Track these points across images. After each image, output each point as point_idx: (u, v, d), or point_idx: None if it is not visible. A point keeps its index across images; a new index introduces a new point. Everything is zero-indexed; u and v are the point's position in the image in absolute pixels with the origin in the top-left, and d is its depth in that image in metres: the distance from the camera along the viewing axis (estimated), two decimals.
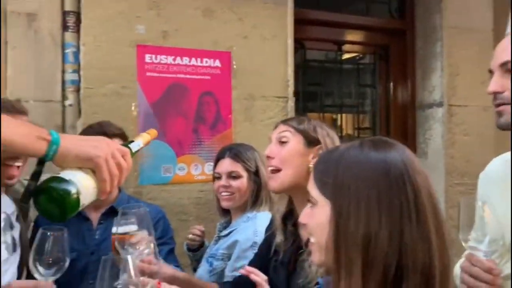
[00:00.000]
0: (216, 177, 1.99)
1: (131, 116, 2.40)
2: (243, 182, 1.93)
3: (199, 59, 2.53)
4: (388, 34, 3.38)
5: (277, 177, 1.42)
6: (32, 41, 2.29)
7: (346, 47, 3.34)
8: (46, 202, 0.87)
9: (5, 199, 1.70)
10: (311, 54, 3.39)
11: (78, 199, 0.88)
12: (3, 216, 1.64)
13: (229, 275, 1.75)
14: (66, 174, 0.88)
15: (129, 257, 1.09)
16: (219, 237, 1.97)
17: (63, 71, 2.35)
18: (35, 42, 2.29)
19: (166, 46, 2.47)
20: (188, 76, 2.52)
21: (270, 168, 1.45)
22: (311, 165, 1.37)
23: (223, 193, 1.95)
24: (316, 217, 0.88)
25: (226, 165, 1.95)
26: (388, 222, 0.79)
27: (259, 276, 1.31)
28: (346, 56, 3.56)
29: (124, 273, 1.09)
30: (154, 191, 2.44)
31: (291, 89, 2.76)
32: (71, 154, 0.88)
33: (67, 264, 1.28)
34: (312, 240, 0.91)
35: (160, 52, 2.46)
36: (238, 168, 1.94)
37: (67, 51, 2.33)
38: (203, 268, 1.89)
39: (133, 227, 1.35)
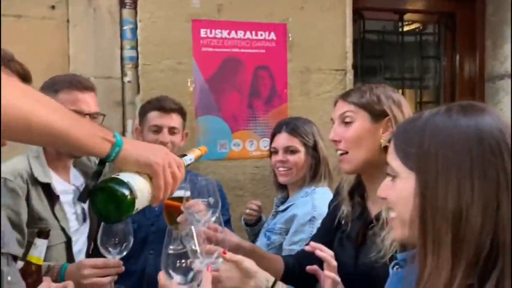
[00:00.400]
0: (273, 152, 1.96)
1: (188, 91, 2.41)
2: (300, 157, 1.89)
3: (254, 32, 2.49)
4: (454, 0, 3.14)
5: (348, 160, 1.35)
6: (92, 19, 2.34)
7: (407, 16, 3.14)
8: (103, 202, 0.89)
9: (74, 172, 1.77)
10: (370, 24, 3.22)
11: (133, 202, 0.89)
12: (72, 188, 1.71)
13: (286, 249, 1.74)
14: (124, 177, 0.90)
15: (194, 223, 1.09)
16: (277, 212, 1.96)
17: (122, 48, 2.39)
18: (95, 20, 2.35)
19: (221, 20, 2.44)
20: (242, 50, 2.48)
21: (339, 152, 1.37)
22: (383, 140, 1.31)
23: (280, 168, 1.91)
24: (398, 190, 0.83)
25: (283, 139, 1.91)
26: (482, 194, 0.72)
27: (325, 252, 1.27)
28: (407, 27, 3.36)
29: (176, 240, 1.09)
30: (210, 167, 2.45)
31: (349, 62, 2.65)
32: (132, 158, 0.91)
33: (131, 243, 1.35)
34: (392, 214, 0.87)
35: (215, 26, 2.43)
36: (295, 143, 1.89)
37: (125, 28, 2.37)
38: (260, 242, 1.89)
39: (184, 193, 1.35)
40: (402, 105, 1.36)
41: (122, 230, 1.33)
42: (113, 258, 1.35)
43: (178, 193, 1.40)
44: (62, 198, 1.61)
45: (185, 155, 1.12)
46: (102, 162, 0.92)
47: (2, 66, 1.14)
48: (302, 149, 1.89)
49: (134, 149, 0.92)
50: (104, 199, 0.89)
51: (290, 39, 2.55)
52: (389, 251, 1.21)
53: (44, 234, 1.21)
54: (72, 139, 0.83)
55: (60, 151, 1.65)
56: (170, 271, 1.07)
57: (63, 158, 1.68)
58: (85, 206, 1.76)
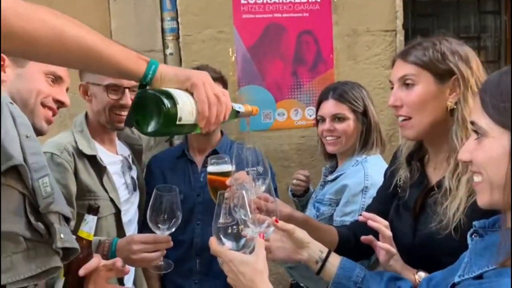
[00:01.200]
0: (320, 120, 1.87)
1: (229, 61, 2.36)
2: (349, 124, 1.79)
3: None
4: None
5: (410, 125, 1.24)
6: None
7: None
8: (143, 108, 0.87)
9: (119, 144, 1.79)
10: None
11: (175, 109, 0.87)
12: (119, 158, 1.73)
13: (338, 220, 1.68)
14: (166, 88, 0.89)
15: (244, 193, 1.05)
16: (325, 182, 1.89)
17: (162, 20, 2.35)
18: None
19: None
20: (285, 15, 2.37)
21: (401, 118, 1.26)
22: (449, 102, 1.20)
23: (328, 137, 1.83)
24: (487, 151, 0.78)
25: (330, 107, 1.81)
26: None
27: (378, 222, 1.20)
28: None
29: (225, 214, 1.06)
30: (254, 137, 2.40)
31: (399, 22, 2.47)
32: (170, 74, 0.90)
33: (180, 218, 1.34)
34: (477, 178, 0.81)
35: None
36: (344, 110, 1.79)
37: None
38: (309, 213, 1.84)
39: (226, 167, 1.35)
40: (470, 60, 1.22)
41: (170, 206, 1.32)
42: (162, 233, 1.34)
43: (223, 168, 1.37)
44: (110, 169, 1.63)
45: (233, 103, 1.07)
46: (142, 86, 0.91)
47: None
48: (351, 116, 1.79)
49: (171, 68, 0.92)
50: (144, 108, 0.87)
51: (335, 0, 2.41)
52: (453, 221, 1.13)
53: (93, 210, 1.22)
54: (106, 56, 0.83)
55: (101, 124, 1.66)
56: (222, 237, 1.05)
57: (107, 131, 1.69)
58: (135, 175, 1.77)
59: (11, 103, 0.98)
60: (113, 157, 1.71)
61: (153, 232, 1.36)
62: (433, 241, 1.17)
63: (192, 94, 0.92)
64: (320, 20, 2.39)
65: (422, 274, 1.15)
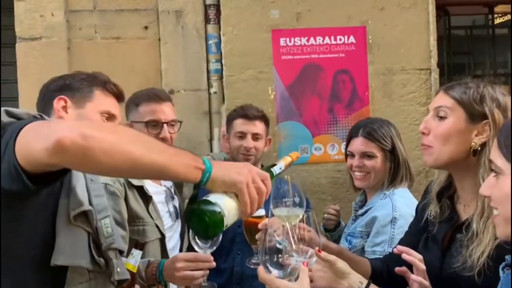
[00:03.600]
0: (349, 155, 1.93)
1: (269, 99, 2.50)
2: (377, 161, 1.84)
3: (332, 37, 2.51)
4: None
5: (429, 152, 1.30)
6: (180, 36, 2.53)
7: (498, 8, 2.95)
8: (196, 221, 1.02)
9: None
10: (456, 20, 3.08)
11: (222, 219, 1.01)
12: (163, 189, 1.87)
13: (369, 251, 1.73)
14: (213, 198, 1.02)
15: (287, 225, 1.15)
16: (356, 216, 1.95)
17: (207, 61, 2.55)
18: (183, 37, 2.54)
19: (299, 28, 2.50)
20: (322, 56, 2.51)
21: (424, 143, 1.33)
22: (474, 143, 1.25)
23: (357, 173, 1.89)
24: (502, 187, 0.85)
25: (359, 144, 1.87)
26: None
27: (412, 255, 1.24)
28: (499, 19, 3.15)
29: (257, 255, 1.16)
30: (292, 171, 2.47)
31: (434, 60, 2.55)
32: (219, 180, 1.01)
33: (220, 239, 1.42)
34: (495, 212, 0.88)
35: (294, 35, 2.50)
36: (372, 148, 1.85)
37: (210, 42, 2.53)
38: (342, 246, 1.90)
39: (260, 211, 1.38)
40: (507, 109, 1.27)
41: None
42: (204, 252, 1.43)
43: (257, 213, 1.44)
44: (155, 198, 1.77)
45: (274, 165, 1.18)
46: (196, 187, 1.06)
47: (100, 88, 1.32)
48: (379, 154, 1.84)
49: (220, 172, 1.02)
50: (198, 220, 1.02)
51: (370, 41, 2.53)
52: (477, 265, 1.17)
53: (140, 245, 1.38)
54: (170, 172, 0.98)
55: None
56: (268, 266, 1.13)
57: None
58: (177, 204, 1.91)
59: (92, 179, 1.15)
60: (157, 187, 1.85)
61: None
62: (459, 277, 1.21)
63: (237, 195, 1.04)
64: (355, 59, 2.52)
65: None
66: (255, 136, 2.09)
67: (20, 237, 1.00)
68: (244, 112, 2.11)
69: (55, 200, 1.04)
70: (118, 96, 1.37)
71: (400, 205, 1.73)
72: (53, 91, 1.30)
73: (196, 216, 1.02)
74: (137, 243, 1.36)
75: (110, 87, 1.33)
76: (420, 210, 1.47)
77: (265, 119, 2.13)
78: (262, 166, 2.16)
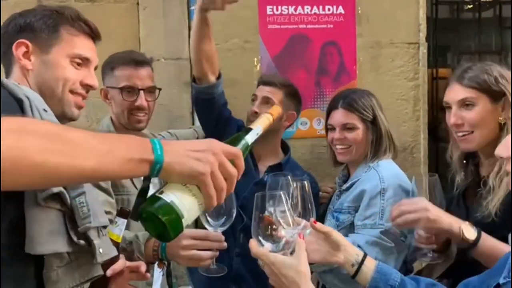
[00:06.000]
0: (329, 129, 1.87)
1: (254, 70, 2.40)
2: (358, 133, 1.78)
3: (321, 7, 2.41)
4: None
5: (472, 139, 1.48)
6: (160, 1, 2.38)
7: None
8: (149, 223, 0.86)
9: None
10: None
11: (180, 222, 0.84)
12: None
13: (359, 224, 1.67)
14: (168, 195, 0.84)
15: (282, 194, 1.07)
16: (341, 192, 1.89)
17: (189, 28, 2.40)
18: (163, 1, 2.38)
19: None
20: (309, 26, 2.42)
21: (461, 134, 1.49)
22: (501, 118, 1.45)
23: (338, 146, 1.82)
24: None
25: (340, 116, 1.80)
26: None
27: None
28: None
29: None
30: (303, 160, 2.42)
31: (423, 34, 2.50)
32: (175, 172, 0.83)
33: (234, 215, 1.27)
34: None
35: (281, 3, 2.39)
36: (353, 119, 1.78)
37: (192, 8, 2.38)
38: (328, 224, 1.83)
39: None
40: (510, 80, 1.47)
41: (225, 201, 1.19)
42: (214, 231, 1.27)
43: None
44: None
45: (250, 129, 1.01)
46: (147, 178, 0.87)
47: (67, 26, 1.13)
48: (360, 125, 1.78)
49: (175, 159, 0.82)
50: (150, 222, 0.85)
51: (359, 12, 2.45)
52: (493, 212, 1.38)
53: (124, 214, 1.23)
54: (105, 175, 0.81)
55: (124, 126, 1.71)
56: (261, 239, 1.05)
57: (131, 132, 1.71)
58: None
59: (45, 110, 0.96)
60: None
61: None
62: (481, 224, 1.39)
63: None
64: (344, 31, 2.43)
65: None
66: (265, 100, 1.95)
67: None
68: (263, 78, 2.04)
69: None
70: (91, 35, 1.17)
71: (387, 176, 1.69)
72: (13, 33, 1.10)
73: (148, 219, 0.84)
74: (121, 211, 1.21)
75: (79, 25, 1.13)
76: (450, 182, 1.66)
77: (286, 88, 1.99)
78: (283, 144, 2.07)
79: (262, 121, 1.05)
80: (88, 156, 0.75)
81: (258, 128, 1.02)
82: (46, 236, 0.89)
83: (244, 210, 1.70)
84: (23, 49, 1.09)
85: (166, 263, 1.41)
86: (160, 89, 1.81)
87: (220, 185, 0.85)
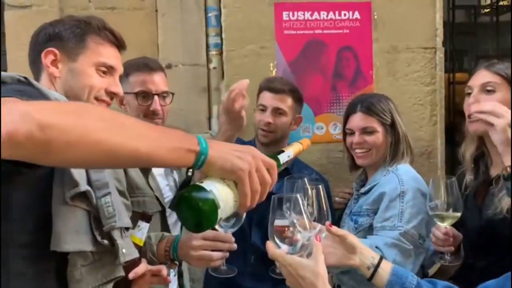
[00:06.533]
0: (348, 133, 1.87)
1: (270, 76, 2.41)
2: (379, 137, 1.79)
3: (337, 13, 2.42)
4: None
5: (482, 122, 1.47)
6: (179, 8, 2.42)
7: None
8: (186, 210, 0.88)
9: None
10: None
11: (216, 212, 0.86)
12: None
13: (378, 226, 1.67)
14: (208, 184, 0.88)
15: (298, 197, 1.08)
16: (359, 195, 1.89)
17: (207, 35, 2.45)
18: (181, 9, 2.42)
19: (303, 1, 2.41)
20: (325, 31, 2.43)
21: (472, 118, 1.50)
22: None
23: (357, 150, 1.83)
24: None
25: (359, 120, 1.81)
26: None
27: None
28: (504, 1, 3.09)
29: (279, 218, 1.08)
30: (310, 159, 2.42)
31: (439, 39, 2.49)
32: (217, 165, 0.87)
33: (243, 217, 1.28)
34: None
35: (297, 9, 2.40)
36: (372, 123, 1.79)
37: (209, 14, 2.42)
38: (346, 227, 1.84)
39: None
40: None
41: None
42: (224, 231, 1.29)
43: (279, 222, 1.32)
44: (154, 170, 1.68)
45: (282, 151, 1.08)
46: (190, 171, 0.90)
47: (93, 36, 1.16)
48: (380, 129, 1.79)
49: (218, 154, 0.87)
50: (186, 208, 0.87)
51: (375, 17, 2.45)
52: (505, 208, 1.42)
53: (147, 217, 1.25)
54: (156, 159, 0.83)
55: None
56: (278, 241, 1.06)
57: None
58: (177, 178, 1.83)
59: None
60: None
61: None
62: (494, 221, 1.44)
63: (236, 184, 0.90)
64: (360, 36, 2.44)
65: None
66: (277, 111, 1.97)
67: (13, 224, 0.89)
68: (269, 85, 2.01)
69: (46, 180, 0.92)
70: (116, 44, 1.21)
71: (406, 179, 1.70)
72: (42, 42, 1.15)
73: (186, 204, 0.87)
74: (144, 215, 1.24)
75: (105, 34, 1.17)
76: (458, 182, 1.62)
77: (293, 94, 2.00)
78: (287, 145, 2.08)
79: (294, 148, 1.12)
80: (142, 139, 0.79)
81: (289, 152, 1.09)
82: (72, 234, 0.92)
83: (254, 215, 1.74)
84: (51, 57, 1.14)
85: (177, 263, 1.44)
86: (173, 94, 1.84)
87: (256, 187, 0.88)
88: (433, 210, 1.48)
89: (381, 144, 1.79)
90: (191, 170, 0.90)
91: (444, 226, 1.48)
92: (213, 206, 0.86)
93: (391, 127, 1.81)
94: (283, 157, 1.05)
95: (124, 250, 0.99)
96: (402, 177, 1.71)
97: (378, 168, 1.83)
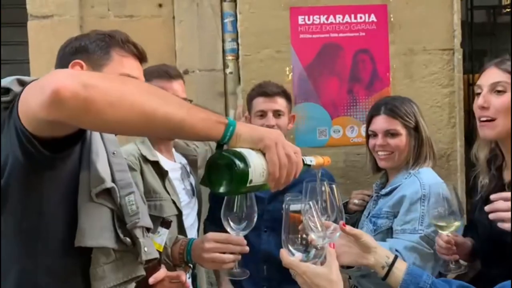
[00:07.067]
0: (371, 135, 1.86)
1: (286, 80, 2.43)
2: (402, 140, 1.77)
3: (353, 16, 2.42)
4: None
5: (493, 126, 1.41)
6: (195, 14, 2.46)
7: None
8: (216, 170, 0.91)
9: (176, 153, 1.89)
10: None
11: (247, 172, 0.89)
12: (178, 165, 1.82)
13: (398, 229, 1.66)
14: (239, 148, 0.92)
15: (311, 203, 1.08)
16: (378, 197, 1.88)
17: (223, 40, 2.48)
18: (198, 15, 2.46)
19: (318, 5, 2.42)
20: (342, 35, 2.43)
21: (484, 119, 1.43)
22: None
23: (380, 153, 1.82)
24: None
25: (382, 122, 1.80)
26: None
27: None
28: None
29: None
30: (310, 155, 2.43)
31: (457, 40, 2.46)
32: (245, 134, 0.92)
33: (255, 220, 1.29)
34: None
35: (313, 13, 2.41)
36: (396, 125, 1.78)
37: (226, 20, 2.45)
38: (366, 228, 1.83)
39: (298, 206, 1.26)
40: None
41: (246, 204, 1.27)
42: (236, 234, 1.30)
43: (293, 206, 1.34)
44: (171, 174, 1.71)
45: (305, 156, 1.09)
46: (220, 146, 0.94)
47: (117, 49, 1.20)
48: (403, 131, 1.78)
49: (247, 127, 0.94)
50: (218, 169, 0.90)
51: (392, 20, 2.44)
52: None
53: (166, 224, 1.27)
54: (188, 127, 0.87)
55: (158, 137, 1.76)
56: (291, 249, 1.06)
57: (163, 141, 1.79)
58: (193, 182, 1.85)
59: None
60: (173, 164, 1.80)
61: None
62: (502, 230, 1.29)
63: (264, 154, 0.94)
64: (376, 39, 2.43)
65: None
66: (277, 113, 2.01)
67: (44, 218, 0.93)
68: (263, 90, 2.03)
69: (75, 177, 0.96)
70: (139, 56, 1.25)
71: (428, 183, 1.67)
72: (69, 54, 1.20)
73: (217, 164, 0.90)
74: (163, 221, 1.27)
75: (129, 47, 1.21)
76: (472, 183, 1.61)
77: (286, 95, 2.04)
78: None
79: (316, 158, 1.13)
80: (176, 106, 0.86)
81: (312, 158, 1.12)
82: (96, 230, 0.96)
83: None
84: (78, 68, 1.18)
85: (191, 266, 1.46)
86: (191, 101, 1.87)
87: (283, 159, 0.93)
88: (434, 218, 1.45)
89: (404, 147, 1.78)
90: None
91: (446, 234, 1.44)
92: (245, 166, 0.89)
93: (415, 130, 1.79)
94: (306, 160, 1.07)
95: (146, 249, 1.02)
96: (424, 180, 1.69)
97: (400, 170, 1.81)
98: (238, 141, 0.92)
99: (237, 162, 0.89)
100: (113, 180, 1.00)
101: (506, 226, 1.25)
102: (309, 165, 1.08)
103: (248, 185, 0.92)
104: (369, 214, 1.88)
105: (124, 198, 1.00)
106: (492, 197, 1.30)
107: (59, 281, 0.95)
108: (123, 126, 0.83)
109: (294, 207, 1.39)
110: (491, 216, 1.28)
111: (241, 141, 0.92)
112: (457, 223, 1.40)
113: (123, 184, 1.02)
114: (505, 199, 1.26)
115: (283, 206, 1.23)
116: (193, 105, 0.92)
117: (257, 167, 0.92)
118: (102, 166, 0.99)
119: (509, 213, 1.24)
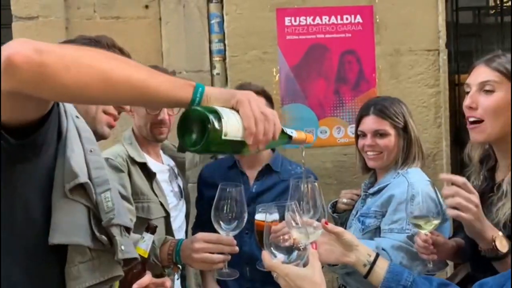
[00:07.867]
0: (360, 135, 1.87)
1: (273, 81, 2.44)
2: (390, 140, 1.78)
3: (339, 17, 2.44)
4: None
5: (481, 129, 1.34)
6: (182, 16, 2.46)
7: None
8: (191, 125, 0.87)
9: (164, 156, 1.89)
10: (463, 1, 3.00)
11: (220, 122, 0.85)
12: (166, 167, 1.82)
13: (386, 229, 1.67)
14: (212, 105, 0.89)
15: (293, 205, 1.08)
16: (366, 196, 1.89)
17: (210, 41, 2.48)
18: (185, 16, 2.46)
19: (305, 6, 2.43)
20: (328, 36, 2.44)
21: (472, 119, 1.35)
22: None
23: (369, 153, 1.82)
24: None
25: (371, 122, 1.81)
26: None
27: None
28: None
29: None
30: (297, 155, 2.45)
31: (442, 41, 2.49)
32: (216, 94, 0.90)
33: (245, 219, 1.29)
34: None
35: (299, 14, 2.42)
36: (385, 126, 1.79)
37: (212, 21, 2.46)
38: (354, 228, 1.84)
39: (274, 216, 1.27)
40: None
41: (235, 203, 1.28)
42: (226, 234, 1.30)
43: (271, 217, 1.27)
44: (159, 176, 1.71)
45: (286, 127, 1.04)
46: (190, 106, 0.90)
47: None
48: (392, 131, 1.78)
49: (216, 89, 0.93)
50: (190, 123, 0.87)
51: (378, 21, 2.46)
52: (502, 219, 1.27)
53: (151, 229, 1.26)
54: (154, 91, 0.84)
55: (146, 138, 1.76)
56: (273, 250, 1.05)
57: (151, 143, 1.79)
58: (181, 184, 1.85)
59: (77, 116, 1.02)
60: (160, 166, 1.80)
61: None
62: None
63: (238, 111, 0.91)
64: (362, 40, 2.45)
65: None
66: None
67: (17, 214, 0.90)
68: (252, 89, 2.03)
69: (51, 174, 0.93)
70: None
71: (416, 183, 1.67)
72: None
73: (189, 120, 0.86)
74: (148, 227, 1.25)
75: (114, 51, 1.19)
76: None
77: (266, 95, 2.02)
78: (273, 149, 2.09)
79: (299, 133, 1.08)
80: (137, 68, 0.84)
81: (293, 131, 1.06)
82: (70, 227, 0.93)
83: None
84: None
85: (180, 267, 1.44)
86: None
87: (258, 114, 0.90)
88: (413, 216, 1.42)
89: (393, 147, 1.79)
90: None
91: (424, 233, 1.41)
92: (217, 113, 0.85)
93: (404, 131, 1.80)
94: (287, 130, 1.02)
95: (123, 247, 0.99)
96: (412, 180, 1.69)
97: (389, 170, 1.82)
98: (209, 102, 0.88)
99: (208, 114, 0.85)
100: (90, 178, 0.98)
101: (453, 213, 1.24)
102: (290, 136, 1.04)
103: (223, 137, 0.87)
104: (357, 213, 1.88)
105: (100, 195, 0.97)
106: (441, 176, 1.30)
107: (35, 279, 0.93)
108: (83, 90, 0.80)
109: (258, 216, 1.40)
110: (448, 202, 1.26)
111: (212, 101, 0.89)
112: (435, 222, 1.38)
113: (99, 181, 0.99)
114: (450, 182, 1.24)
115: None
116: (159, 72, 0.89)
117: (231, 120, 0.88)
118: (76, 162, 0.96)
119: (456, 199, 1.23)
